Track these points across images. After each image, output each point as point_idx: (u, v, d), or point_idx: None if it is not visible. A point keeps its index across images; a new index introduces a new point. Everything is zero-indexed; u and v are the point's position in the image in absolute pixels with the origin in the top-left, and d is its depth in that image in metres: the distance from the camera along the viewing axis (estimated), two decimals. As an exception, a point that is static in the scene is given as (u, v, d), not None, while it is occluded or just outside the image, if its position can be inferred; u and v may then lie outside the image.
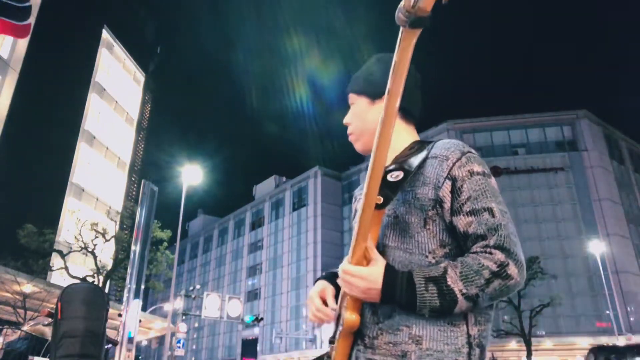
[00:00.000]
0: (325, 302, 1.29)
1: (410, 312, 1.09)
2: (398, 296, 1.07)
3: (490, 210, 1.10)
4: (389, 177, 1.15)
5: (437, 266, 1.09)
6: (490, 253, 1.06)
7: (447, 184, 1.14)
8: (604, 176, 37.18)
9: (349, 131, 1.40)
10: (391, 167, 1.19)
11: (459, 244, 1.15)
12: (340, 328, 1.19)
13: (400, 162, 1.20)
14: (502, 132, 40.20)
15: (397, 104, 1.00)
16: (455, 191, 1.13)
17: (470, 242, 1.11)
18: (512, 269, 1.04)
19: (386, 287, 1.08)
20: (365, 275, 1.09)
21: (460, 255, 1.12)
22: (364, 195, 1.09)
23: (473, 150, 1.20)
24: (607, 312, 31.14)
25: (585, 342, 31.07)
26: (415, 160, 1.19)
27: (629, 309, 32.60)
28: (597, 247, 29.91)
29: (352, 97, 1.38)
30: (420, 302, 1.05)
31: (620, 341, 27.39)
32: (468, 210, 1.11)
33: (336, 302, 1.27)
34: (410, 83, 1.17)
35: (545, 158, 38.29)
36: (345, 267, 1.13)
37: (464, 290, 1.04)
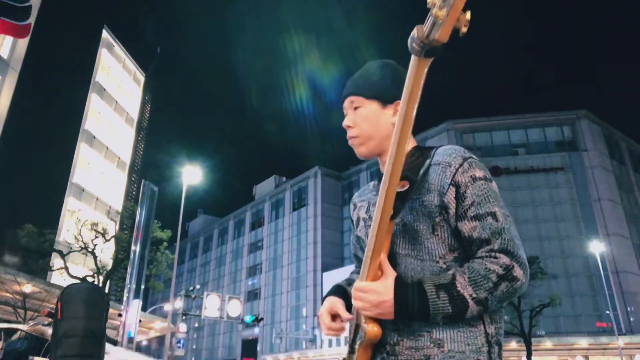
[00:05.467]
0: (335, 317, 1.30)
1: (423, 320, 1.11)
2: (410, 306, 1.09)
3: (494, 215, 1.13)
4: (397, 188, 1.15)
5: (445, 273, 1.12)
6: (496, 257, 1.09)
7: (452, 190, 1.16)
8: (604, 176, 37.17)
9: (353, 134, 1.34)
10: None
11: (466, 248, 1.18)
12: (360, 340, 1.19)
13: (404, 171, 1.20)
14: (502, 132, 40.18)
15: (410, 129, 1.02)
16: (459, 197, 1.16)
17: (475, 246, 1.14)
18: (517, 271, 1.08)
19: (398, 298, 1.09)
20: (375, 288, 1.11)
21: (469, 258, 1.15)
22: (379, 213, 1.09)
23: (474, 156, 1.22)
24: (607, 312, 31.14)
25: (585, 342, 31.07)
26: (419, 169, 1.21)
27: (629, 309, 32.59)
28: (597, 247, 29.90)
29: (359, 100, 1.33)
30: (433, 309, 1.07)
31: (621, 341, 27.39)
32: (472, 215, 1.14)
33: (349, 312, 1.28)
34: None
35: (545, 158, 38.28)
36: (356, 285, 1.15)
37: (474, 295, 1.06)
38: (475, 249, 1.14)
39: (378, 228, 1.10)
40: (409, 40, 0.88)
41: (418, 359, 1.14)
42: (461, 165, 1.18)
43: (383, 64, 1.34)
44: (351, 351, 1.24)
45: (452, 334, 1.12)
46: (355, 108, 1.34)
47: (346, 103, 1.37)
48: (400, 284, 1.11)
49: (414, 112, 0.99)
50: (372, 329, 1.16)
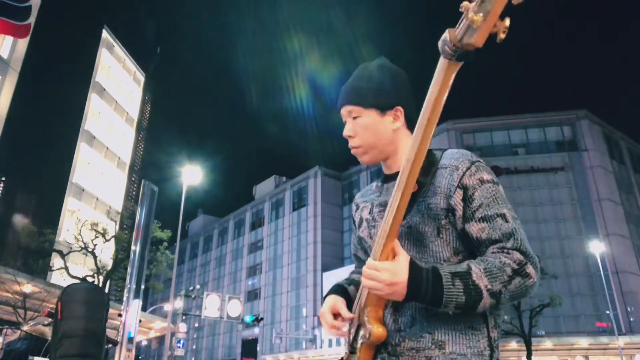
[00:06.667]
0: (337, 316, 1.28)
1: (433, 307, 1.09)
2: (424, 290, 1.06)
3: (504, 216, 1.13)
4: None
5: (460, 264, 1.11)
6: (509, 253, 1.09)
7: (459, 193, 1.16)
8: (604, 176, 37.15)
9: (354, 144, 1.33)
10: None
11: (471, 251, 1.17)
12: (364, 339, 1.18)
13: None
14: (502, 132, 40.16)
15: (432, 133, 1.02)
16: (466, 199, 1.16)
17: (484, 247, 1.13)
18: (530, 269, 1.08)
19: (412, 280, 1.06)
20: (390, 267, 1.08)
21: None
22: (391, 215, 1.10)
23: (481, 160, 1.22)
24: (607, 312, 31.11)
25: (585, 342, 31.07)
26: (427, 172, 1.20)
27: (629, 309, 32.57)
28: (597, 247, 29.88)
29: (357, 110, 1.31)
30: (446, 296, 1.05)
31: (621, 341, 27.39)
32: (481, 216, 1.14)
33: (350, 311, 1.27)
34: (413, 91, 1.18)
35: (545, 158, 38.26)
36: (370, 262, 1.13)
37: (489, 286, 1.05)
38: (484, 250, 1.13)
39: (391, 224, 1.10)
40: (440, 43, 0.87)
41: None
42: (469, 168, 1.18)
43: (379, 68, 1.31)
44: (352, 351, 1.23)
45: (454, 336, 1.12)
46: (354, 117, 1.32)
47: (344, 111, 1.35)
48: (414, 266, 1.08)
49: (438, 116, 0.98)
50: (377, 330, 1.15)
